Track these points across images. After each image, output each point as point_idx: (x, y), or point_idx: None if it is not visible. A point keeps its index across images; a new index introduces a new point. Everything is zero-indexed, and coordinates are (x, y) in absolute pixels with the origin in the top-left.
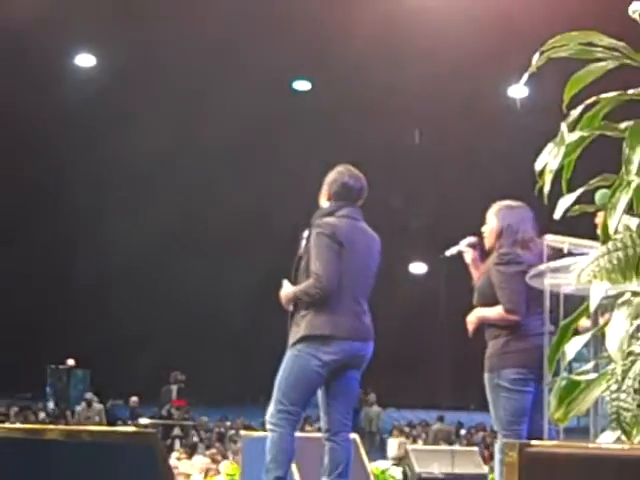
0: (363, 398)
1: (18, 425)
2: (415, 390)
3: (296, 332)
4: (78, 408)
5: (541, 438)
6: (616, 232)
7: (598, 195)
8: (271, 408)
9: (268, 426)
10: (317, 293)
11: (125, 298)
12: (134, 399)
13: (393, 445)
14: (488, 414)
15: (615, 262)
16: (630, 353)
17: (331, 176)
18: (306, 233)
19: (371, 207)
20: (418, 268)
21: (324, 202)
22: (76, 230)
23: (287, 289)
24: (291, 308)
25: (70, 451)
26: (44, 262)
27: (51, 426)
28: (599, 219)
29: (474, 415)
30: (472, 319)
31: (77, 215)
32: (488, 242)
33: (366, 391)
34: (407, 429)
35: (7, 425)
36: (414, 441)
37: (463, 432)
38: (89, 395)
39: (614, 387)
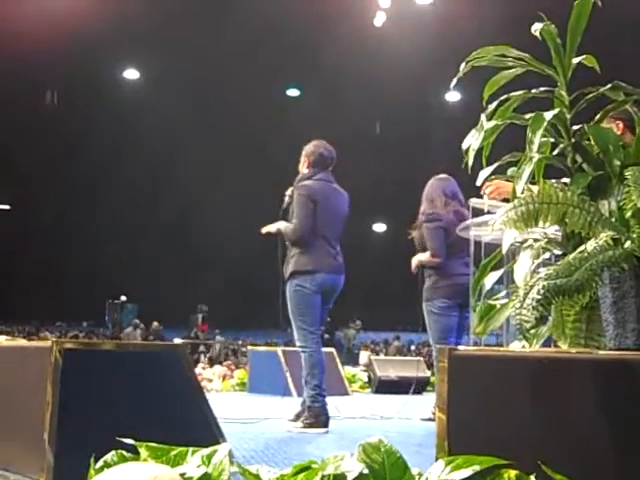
0: (352, 322)
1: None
2: (378, 317)
3: (287, 269)
4: (127, 330)
5: None
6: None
7: (510, 171)
8: (295, 334)
9: (298, 349)
10: (293, 237)
11: (168, 250)
12: (155, 324)
13: (364, 356)
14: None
15: (519, 214)
16: (530, 283)
17: (310, 149)
18: (289, 191)
19: (345, 182)
20: (379, 228)
21: (304, 169)
22: (132, 199)
23: (280, 224)
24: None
25: (119, 358)
26: (112, 219)
27: (107, 341)
28: (488, 190)
29: (422, 335)
30: (414, 262)
31: (133, 185)
32: (422, 204)
33: (354, 319)
34: (372, 346)
35: (79, 340)
36: (377, 354)
37: (413, 347)
38: (135, 321)
39: (518, 305)
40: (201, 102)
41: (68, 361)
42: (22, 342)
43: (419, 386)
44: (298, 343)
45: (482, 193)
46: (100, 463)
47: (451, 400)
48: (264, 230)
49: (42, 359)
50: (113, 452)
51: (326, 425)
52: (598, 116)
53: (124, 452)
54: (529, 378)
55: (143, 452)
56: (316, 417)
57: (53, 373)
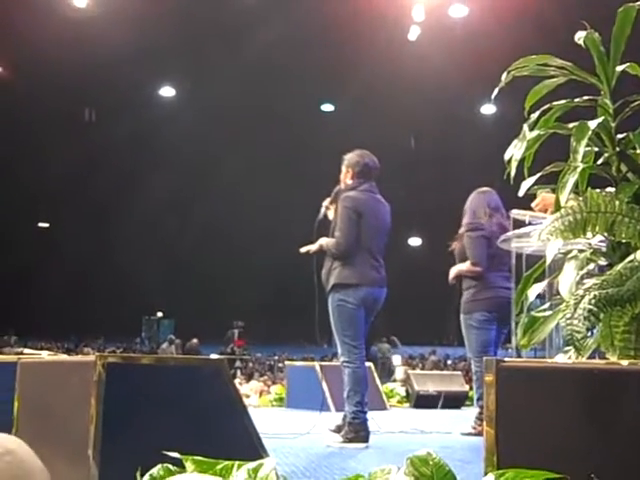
0: (384, 339)
1: (127, 354)
2: (414, 331)
3: (329, 281)
4: (163, 346)
5: None
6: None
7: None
8: (339, 349)
9: (342, 364)
10: (336, 252)
11: (203, 265)
12: (194, 341)
13: (400, 370)
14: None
15: (567, 224)
16: (579, 293)
17: (353, 159)
18: (325, 202)
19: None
20: (415, 242)
21: (348, 179)
22: (168, 214)
23: (321, 241)
24: (328, 264)
25: (160, 372)
26: (147, 235)
27: (147, 355)
28: (534, 203)
29: (458, 349)
30: (452, 272)
31: (167, 199)
32: (464, 216)
33: (387, 336)
34: (409, 360)
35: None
36: (413, 369)
37: (449, 362)
38: (171, 337)
39: (568, 315)
40: (235, 118)
41: (111, 375)
42: (65, 357)
43: (458, 401)
44: (342, 358)
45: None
46: (146, 477)
47: (499, 413)
48: (304, 250)
49: (85, 374)
50: (159, 466)
51: (366, 440)
52: None
53: (170, 466)
54: (579, 390)
55: (189, 466)
56: (356, 432)
57: (97, 387)
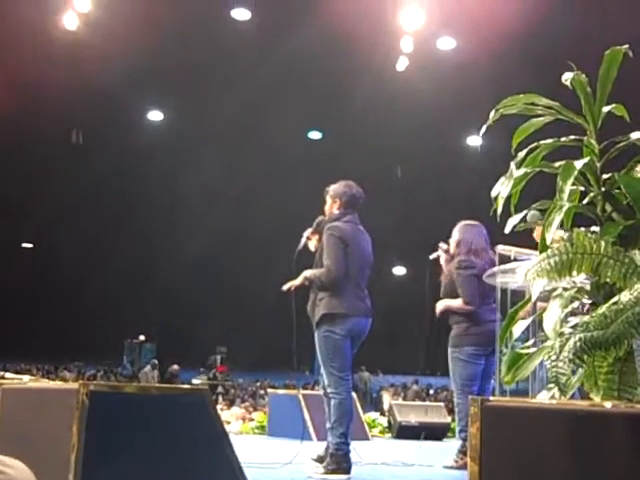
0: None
1: (106, 382)
2: (396, 360)
3: (317, 312)
4: (145, 369)
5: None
6: (551, 243)
7: (529, 216)
8: (325, 381)
9: (329, 395)
10: (329, 281)
11: (186, 290)
12: (175, 367)
13: (386, 399)
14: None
15: (553, 264)
16: (561, 333)
17: (340, 189)
18: (306, 232)
19: (366, 225)
20: (399, 271)
21: (334, 209)
22: (153, 239)
23: (306, 273)
24: (307, 283)
25: (143, 401)
26: (125, 261)
27: (130, 383)
28: (536, 233)
29: (440, 379)
30: (440, 306)
31: (153, 223)
32: (452, 250)
33: (361, 367)
34: (390, 389)
35: (97, 382)
36: (396, 398)
37: (432, 392)
38: (154, 361)
39: (553, 357)
40: (223, 144)
41: (94, 403)
42: (47, 383)
43: (440, 432)
44: (329, 389)
45: None
46: None
47: (483, 450)
48: (286, 287)
49: (68, 401)
50: None
51: (348, 472)
52: (629, 165)
53: None
54: (562, 431)
55: None
56: (338, 464)
57: (79, 415)
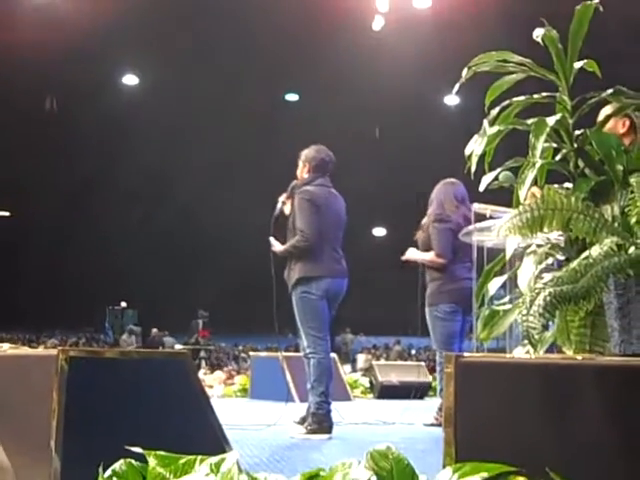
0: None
1: (88, 348)
2: (378, 321)
3: (292, 276)
4: (123, 336)
5: None
6: (524, 199)
7: (502, 176)
8: (304, 341)
9: (307, 355)
10: (303, 245)
11: (166, 258)
12: (156, 331)
13: (361, 359)
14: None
15: (524, 221)
16: (535, 289)
17: (310, 154)
18: (282, 197)
19: (344, 187)
20: (379, 232)
21: (304, 174)
22: (131, 204)
23: (279, 247)
24: (289, 262)
25: (123, 366)
26: (111, 225)
27: (111, 349)
28: (524, 200)
29: (421, 339)
30: (410, 255)
31: (130, 188)
32: (429, 207)
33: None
34: (373, 350)
35: (84, 348)
36: (378, 359)
37: (413, 352)
38: (131, 327)
39: (524, 312)
40: (200, 107)
41: (74, 369)
42: (26, 350)
43: (421, 391)
44: (308, 350)
45: None
46: (108, 472)
47: (458, 407)
48: (280, 254)
49: (47, 367)
50: (122, 461)
51: (329, 431)
52: (599, 119)
53: (132, 461)
54: (536, 385)
55: (151, 461)
56: (320, 423)
57: (59, 381)
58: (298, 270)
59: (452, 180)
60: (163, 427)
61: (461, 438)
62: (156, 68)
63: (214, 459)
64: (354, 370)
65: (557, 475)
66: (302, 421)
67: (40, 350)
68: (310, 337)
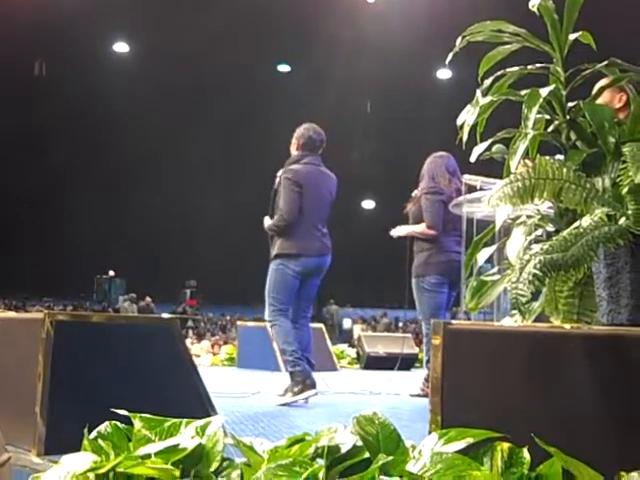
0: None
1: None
2: (365, 293)
3: (272, 251)
4: (124, 304)
5: None
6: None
7: (494, 148)
8: (267, 310)
9: (269, 324)
10: (281, 224)
11: (154, 227)
12: (148, 299)
13: (357, 329)
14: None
15: (515, 189)
16: (524, 258)
17: (300, 131)
18: (280, 172)
19: (335, 160)
20: (368, 205)
21: (294, 151)
22: (121, 173)
23: (267, 222)
24: (271, 236)
25: (110, 330)
26: (99, 194)
27: (97, 313)
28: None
29: (408, 312)
30: (400, 230)
31: (119, 156)
32: (421, 180)
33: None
34: (359, 322)
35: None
36: (365, 331)
37: (400, 324)
38: (132, 295)
39: (514, 279)
40: (191, 76)
41: (60, 333)
42: (12, 314)
43: (407, 362)
44: (267, 318)
45: None
46: (94, 434)
47: (445, 374)
48: (267, 230)
49: (33, 331)
50: (107, 423)
51: (314, 386)
52: (594, 92)
53: (118, 423)
54: (523, 353)
55: (137, 423)
56: (302, 382)
57: (45, 345)
58: (277, 246)
59: (442, 153)
60: (149, 392)
61: (447, 405)
62: (146, 37)
63: (200, 422)
64: (348, 342)
65: (542, 441)
66: (285, 392)
67: (27, 314)
68: (271, 307)
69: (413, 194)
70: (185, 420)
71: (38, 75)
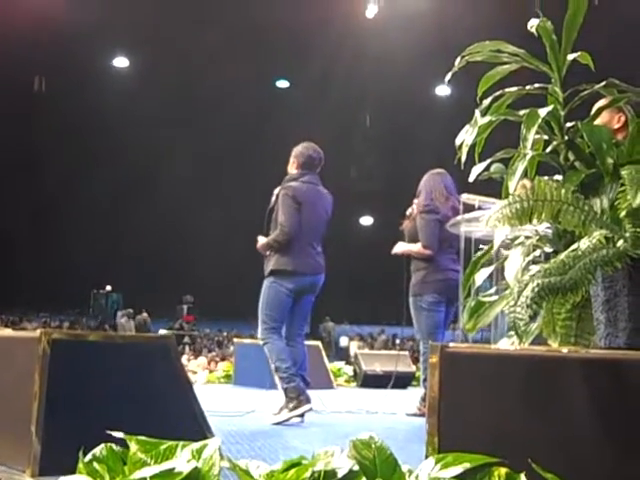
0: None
1: (73, 331)
2: (363, 310)
3: (267, 267)
4: (122, 320)
5: None
6: (514, 191)
7: (493, 168)
8: (260, 328)
9: (261, 342)
10: (283, 239)
11: (151, 242)
12: (144, 314)
13: (354, 346)
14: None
15: (514, 211)
16: (523, 280)
17: (298, 150)
18: (277, 190)
19: (333, 176)
20: (366, 221)
21: (292, 169)
22: (118, 188)
23: (262, 240)
24: (268, 253)
25: (107, 349)
26: (97, 208)
27: (94, 332)
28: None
29: (405, 329)
30: (398, 248)
31: (118, 173)
32: (417, 198)
33: (325, 318)
34: (356, 339)
35: (67, 331)
36: (362, 348)
37: (397, 341)
38: (130, 311)
39: (512, 303)
40: (190, 92)
41: (56, 352)
42: (9, 332)
43: (404, 380)
44: (260, 336)
45: None
46: (89, 456)
47: (442, 397)
48: (261, 250)
49: (30, 349)
50: (102, 445)
51: (309, 402)
52: (592, 113)
53: (113, 445)
54: (520, 376)
55: (133, 446)
56: (297, 397)
57: (41, 363)
58: (272, 262)
59: (439, 170)
60: (145, 411)
61: (444, 428)
62: (146, 52)
63: (196, 445)
64: (344, 359)
65: (539, 467)
66: (280, 411)
67: (23, 332)
68: (263, 324)
69: (407, 212)
70: (181, 443)
71: (38, 91)
